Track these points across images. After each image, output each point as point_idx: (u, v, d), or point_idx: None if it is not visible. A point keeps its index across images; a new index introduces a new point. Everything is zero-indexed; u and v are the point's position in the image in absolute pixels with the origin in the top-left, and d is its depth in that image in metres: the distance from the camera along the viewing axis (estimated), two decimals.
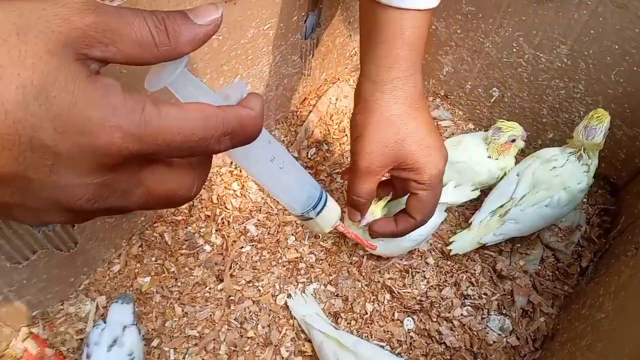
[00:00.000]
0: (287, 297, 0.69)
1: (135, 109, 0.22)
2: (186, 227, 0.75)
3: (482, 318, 0.70)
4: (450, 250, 0.72)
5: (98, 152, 0.22)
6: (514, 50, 0.75)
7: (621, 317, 0.52)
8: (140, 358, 0.60)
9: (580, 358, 0.55)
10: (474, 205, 0.77)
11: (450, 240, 0.73)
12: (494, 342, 0.68)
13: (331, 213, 0.45)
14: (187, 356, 0.64)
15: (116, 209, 0.25)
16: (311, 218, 0.44)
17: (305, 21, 0.72)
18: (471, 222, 0.72)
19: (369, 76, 0.54)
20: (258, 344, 0.66)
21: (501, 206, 0.71)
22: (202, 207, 0.77)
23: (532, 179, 0.69)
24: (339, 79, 0.92)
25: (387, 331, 0.68)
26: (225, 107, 0.25)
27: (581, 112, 0.75)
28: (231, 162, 0.81)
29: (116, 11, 0.23)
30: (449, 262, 0.73)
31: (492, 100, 0.84)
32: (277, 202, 0.78)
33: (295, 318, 0.68)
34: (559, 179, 0.68)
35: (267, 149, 0.36)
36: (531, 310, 0.70)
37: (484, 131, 0.82)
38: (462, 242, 0.72)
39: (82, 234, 0.62)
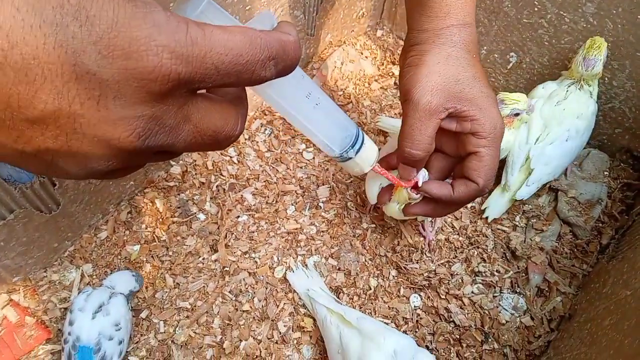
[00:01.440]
0: (288, 270, 0.65)
1: (180, 27, 0.20)
2: (179, 194, 0.70)
3: (494, 296, 0.65)
4: (487, 217, 0.69)
5: (147, 77, 0.19)
6: (536, 9, 0.70)
7: None
8: (128, 330, 0.56)
9: (603, 339, 0.50)
10: None
11: (483, 207, 0.70)
12: (506, 321, 0.63)
13: (369, 151, 0.42)
14: (177, 329, 0.60)
15: (166, 149, 0.22)
16: (350, 158, 0.41)
17: None
18: (505, 184, 0.68)
19: (421, 26, 0.47)
20: (254, 318, 0.62)
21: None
22: (196, 174, 0.72)
23: (541, 118, 0.67)
24: (344, 42, 0.87)
25: (392, 308, 0.64)
26: (265, 31, 0.23)
27: (606, 79, 0.70)
28: None
29: None
30: (460, 238, 0.69)
31: (508, 67, 0.79)
32: (277, 170, 0.73)
33: (294, 292, 0.64)
34: (568, 110, 0.66)
35: (302, 84, 0.33)
36: (547, 289, 0.66)
37: None
38: (496, 205, 0.69)
39: (65, 195, 0.57)
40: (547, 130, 0.66)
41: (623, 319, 0.49)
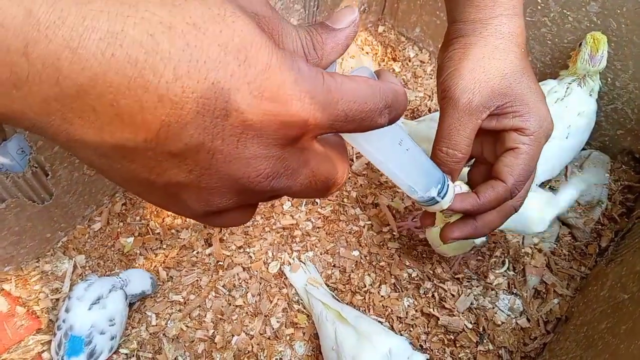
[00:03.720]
0: (284, 265, 0.64)
1: (318, 76, 0.21)
2: None
3: (491, 297, 0.64)
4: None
5: (288, 121, 0.20)
6: (539, 7, 0.69)
7: None
8: (122, 326, 0.55)
9: (599, 342, 0.49)
10: None
11: None
12: (502, 322, 0.62)
13: (451, 192, 0.41)
14: (170, 322, 0.59)
15: (282, 192, 0.23)
16: (437, 202, 0.39)
17: None
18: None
19: (467, 17, 0.44)
20: (247, 313, 0.61)
21: None
22: None
23: None
24: None
25: (386, 307, 0.63)
26: (381, 81, 0.24)
27: (608, 80, 0.69)
28: None
29: (280, 17, 0.22)
30: None
31: None
32: None
33: (288, 287, 0.63)
34: (569, 107, 0.65)
35: (396, 131, 0.32)
36: (544, 291, 0.65)
37: None
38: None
39: (58, 186, 0.57)
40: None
41: (619, 322, 0.48)
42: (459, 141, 0.42)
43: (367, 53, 0.86)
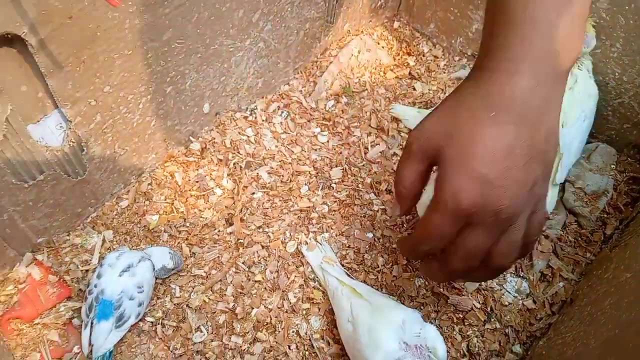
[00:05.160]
0: (302, 245, 0.67)
1: None
2: (197, 169, 0.73)
3: (498, 279, 0.67)
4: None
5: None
6: None
7: None
8: (149, 295, 0.58)
9: (602, 317, 0.52)
10: None
11: None
12: (509, 303, 0.65)
13: None
14: (193, 294, 0.62)
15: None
16: None
17: None
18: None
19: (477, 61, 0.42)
20: (265, 288, 0.64)
21: None
22: (214, 151, 0.74)
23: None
24: (362, 31, 0.89)
25: (398, 286, 0.66)
26: None
27: (616, 74, 0.72)
28: (246, 107, 0.79)
29: None
30: None
31: None
32: (292, 151, 0.76)
33: (305, 266, 0.66)
34: (581, 92, 0.69)
35: None
36: (550, 274, 0.67)
37: None
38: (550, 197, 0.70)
39: (91, 162, 0.60)
40: (565, 117, 0.67)
41: (622, 298, 0.51)
42: (403, 176, 0.43)
43: (382, 47, 0.89)
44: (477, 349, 0.62)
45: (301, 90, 0.83)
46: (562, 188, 0.73)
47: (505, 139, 0.37)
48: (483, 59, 0.40)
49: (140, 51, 0.54)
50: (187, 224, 0.68)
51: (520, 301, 0.65)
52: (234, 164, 0.74)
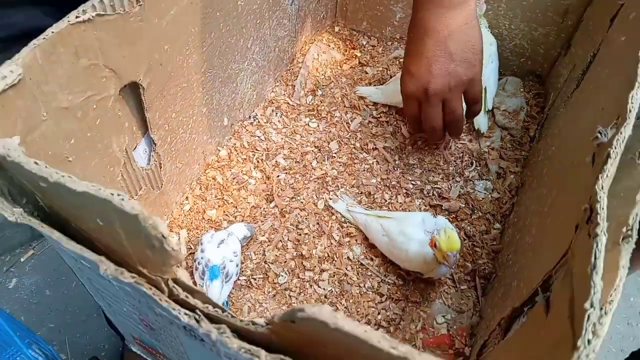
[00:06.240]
0: (328, 201, 0.89)
1: None
2: (230, 170, 0.93)
3: (470, 185, 0.93)
4: (479, 129, 0.98)
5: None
6: None
7: (568, 131, 0.76)
8: (239, 258, 0.78)
9: (542, 179, 0.79)
10: None
11: (476, 126, 0.98)
12: (482, 198, 0.91)
13: None
14: (266, 253, 0.82)
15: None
16: None
17: None
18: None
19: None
20: (314, 235, 0.85)
21: None
22: (238, 153, 0.95)
23: None
24: (314, 39, 1.13)
25: (405, 209, 0.90)
26: None
27: (506, 25, 1.01)
28: (249, 116, 1.00)
29: None
30: (450, 156, 0.96)
31: None
32: (294, 139, 0.98)
33: (336, 214, 0.88)
34: (484, 44, 0.94)
35: None
36: (503, 172, 0.94)
37: None
38: (482, 119, 0.98)
39: (165, 176, 0.79)
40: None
41: (551, 164, 0.77)
42: (407, 112, 0.85)
43: (333, 48, 1.13)
44: (471, 232, 0.87)
45: (284, 94, 1.05)
46: (493, 113, 1.01)
47: (430, 51, 0.75)
48: (414, 16, 0.77)
49: (191, 82, 0.75)
50: (239, 209, 0.88)
51: (489, 195, 0.92)
52: (256, 158, 0.94)
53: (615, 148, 0.43)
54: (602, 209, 0.39)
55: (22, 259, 1.81)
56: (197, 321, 0.40)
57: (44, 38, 0.43)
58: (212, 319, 0.41)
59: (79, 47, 0.47)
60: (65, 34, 0.45)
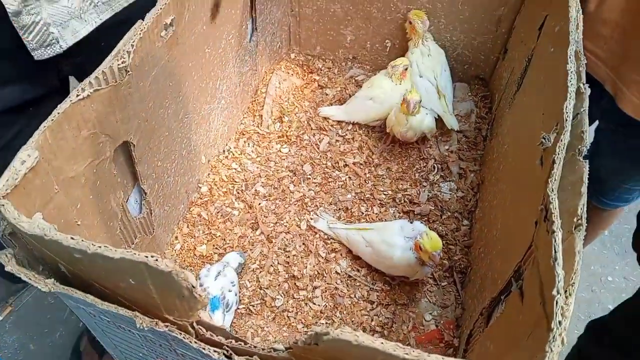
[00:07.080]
0: (310, 220, 0.95)
1: None
2: (213, 204, 0.97)
3: (436, 188, 1.01)
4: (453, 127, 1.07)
5: None
6: (392, 9, 1.08)
7: (516, 132, 0.85)
8: (237, 286, 0.83)
9: (500, 173, 0.87)
10: None
11: (450, 127, 1.07)
12: (449, 199, 0.99)
13: None
14: (259, 279, 0.88)
15: None
16: None
17: (247, 27, 0.98)
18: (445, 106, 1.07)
19: None
20: (302, 256, 0.91)
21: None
22: (218, 188, 0.99)
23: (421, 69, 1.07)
24: (274, 69, 1.19)
25: (381, 218, 0.97)
26: None
27: (448, 37, 1.10)
28: (223, 150, 1.05)
29: None
30: (415, 164, 1.04)
31: (387, 50, 1.17)
32: (269, 166, 1.03)
33: (319, 232, 0.94)
34: (435, 55, 1.07)
35: None
36: (463, 172, 1.03)
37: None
38: (452, 118, 1.08)
39: (155, 221, 0.83)
40: (434, 72, 1.04)
41: (504, 161, 0.86)
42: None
43: (292, 75, 1.20)
44: (443, 232, 0.95)
45: (253, 124, 1.11)
46: None
47: None
48: None
49: (172, 130, 0.79)
50: (227, 241, 0.93)
51: (454, 194, 1.00)
52: (236, 190, 0.99)
53: (559, 153, 0.51)
54: (555, 208, 0.46)
55: (0, 318, 1.77)
56: (228, 357, 0.45)
57: (52, 120, 0.47)
58: (237, 352, 0.47)
59: (80, 121, 0.52)
60: (69, 112, 0.49)
